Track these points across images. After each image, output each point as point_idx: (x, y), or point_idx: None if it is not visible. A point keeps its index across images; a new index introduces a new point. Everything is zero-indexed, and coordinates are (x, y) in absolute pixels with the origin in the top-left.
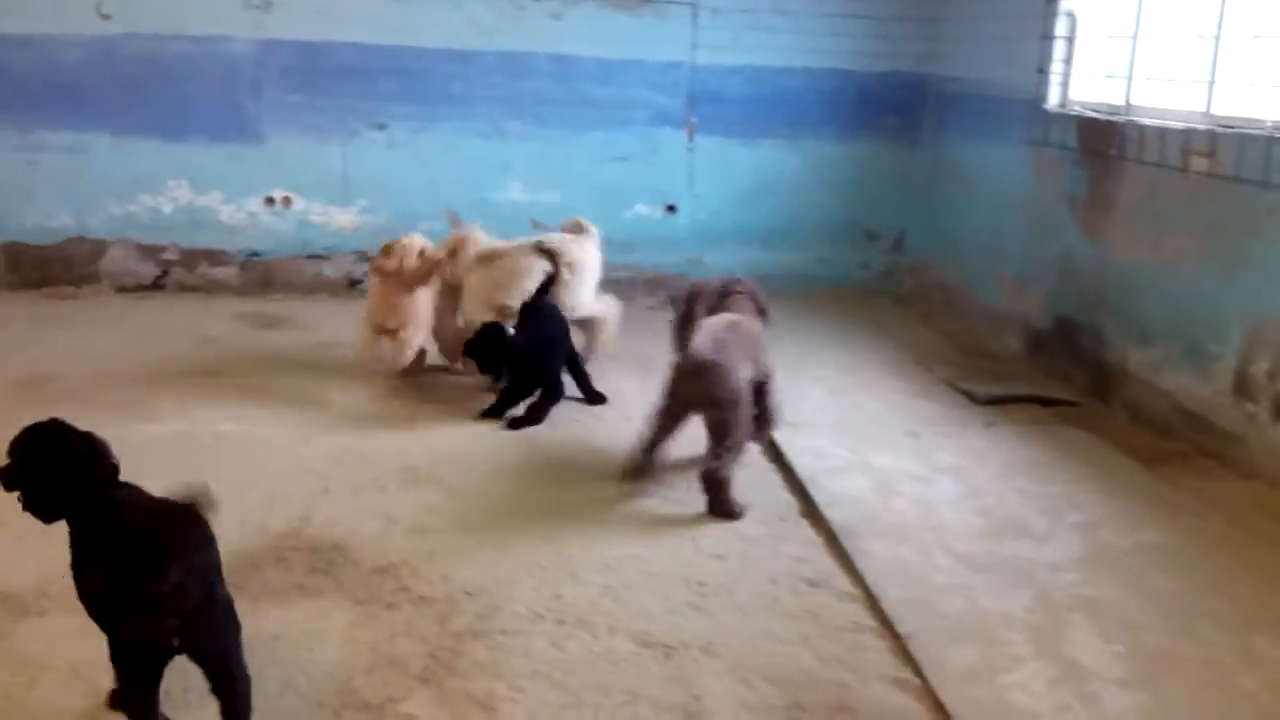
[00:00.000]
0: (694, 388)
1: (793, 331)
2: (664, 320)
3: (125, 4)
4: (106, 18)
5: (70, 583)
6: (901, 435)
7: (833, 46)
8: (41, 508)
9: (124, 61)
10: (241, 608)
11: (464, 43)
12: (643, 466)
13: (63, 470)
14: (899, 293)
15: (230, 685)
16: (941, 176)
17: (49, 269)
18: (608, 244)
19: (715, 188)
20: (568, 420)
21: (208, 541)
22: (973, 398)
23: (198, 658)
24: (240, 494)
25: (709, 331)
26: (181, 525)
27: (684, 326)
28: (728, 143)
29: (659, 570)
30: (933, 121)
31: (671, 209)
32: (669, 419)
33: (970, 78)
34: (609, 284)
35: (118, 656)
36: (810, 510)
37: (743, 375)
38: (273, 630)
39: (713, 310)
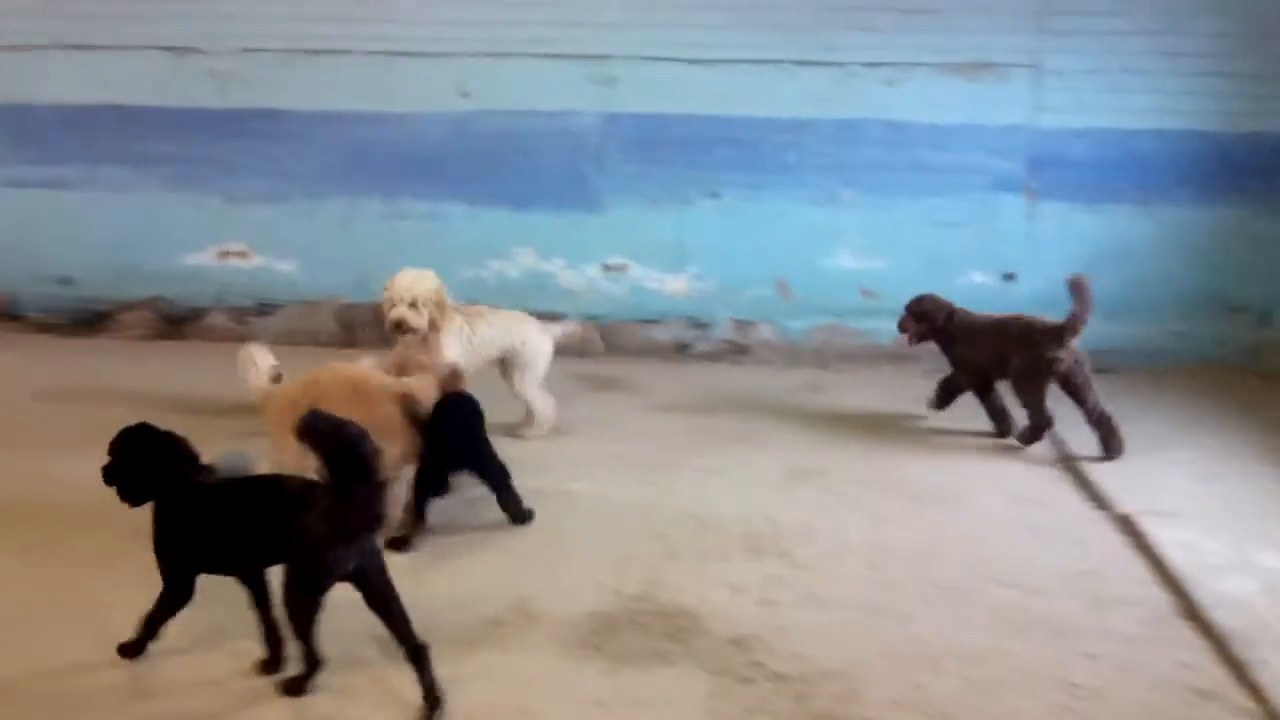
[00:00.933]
0: None
1: (1145, 411)
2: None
3: (484, 84)
4: (466, 96)
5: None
6: None
7: (1189, 106)
8: (133, 493)
9: (480, 136)
10: (602, 668)
11: (796, 111)
12: None
13: (151, 459)
14: (1266, 371)
15: (394, 604)
16: None
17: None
18: None
19: (1057, 255)
20: (916, 505)
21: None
22: None
23: (365, 579)
24: (593, 553)
25: None
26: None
27: None
28: (1071, 208)
29: (1027, 667)
30: None
31: (1009, 277)
32: None
33: None
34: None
35: (294, 592)
36: (1190, 611)
37: None
38: (634, 695)
39: None
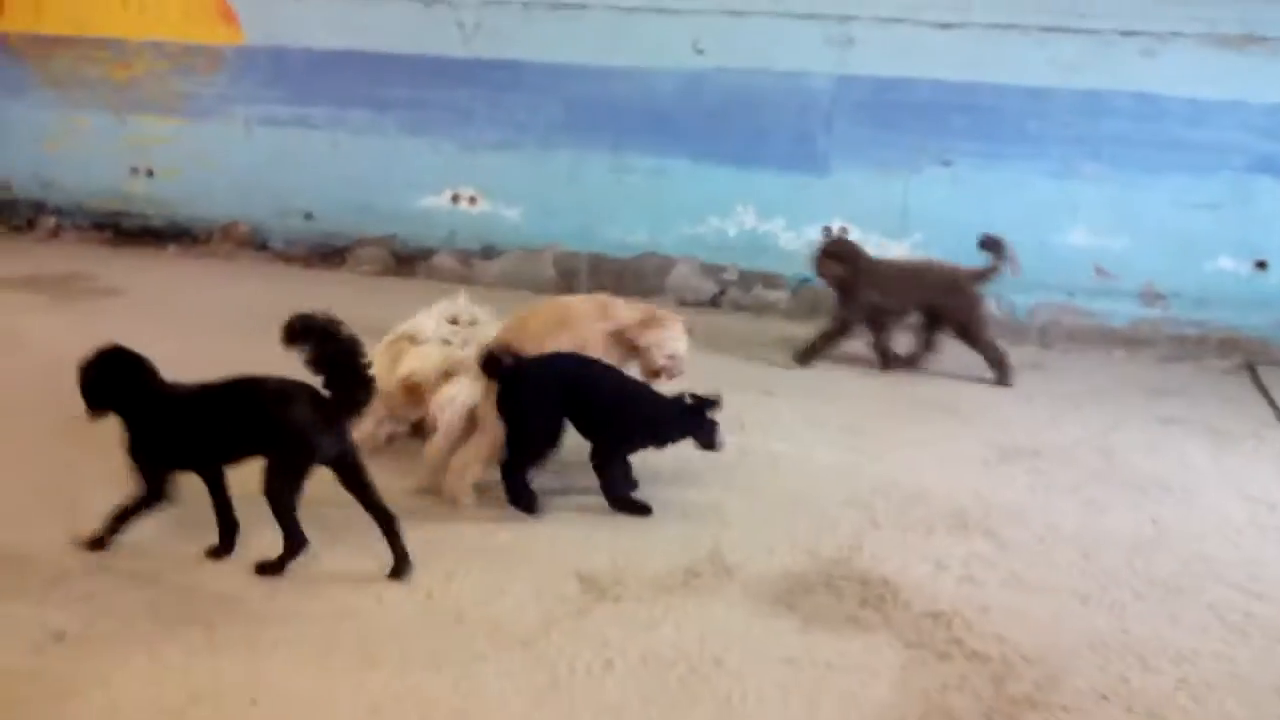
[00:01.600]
0: None
1: None
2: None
3: (719, 40)
4: (701, 53)
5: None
6: None
7: None
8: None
9: (710, 93)
10: (794, 626)
11: (1041, 79)
12: None
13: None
14: None
15: (368, 482)
16: None
17: (623, 279)
18: (1179, 299)
19: None
20: (1136, 494)
21: None
22: None
23: (343, 464)
24: (791, 514)
25: None
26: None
27: None
28: None
29: (1244, 673)
30: None
31: (1262, 265)
32: None
33: None
34: (1175, 341)
35: (280, 479)
36: None
37: None
38: (826, 657)
39: None
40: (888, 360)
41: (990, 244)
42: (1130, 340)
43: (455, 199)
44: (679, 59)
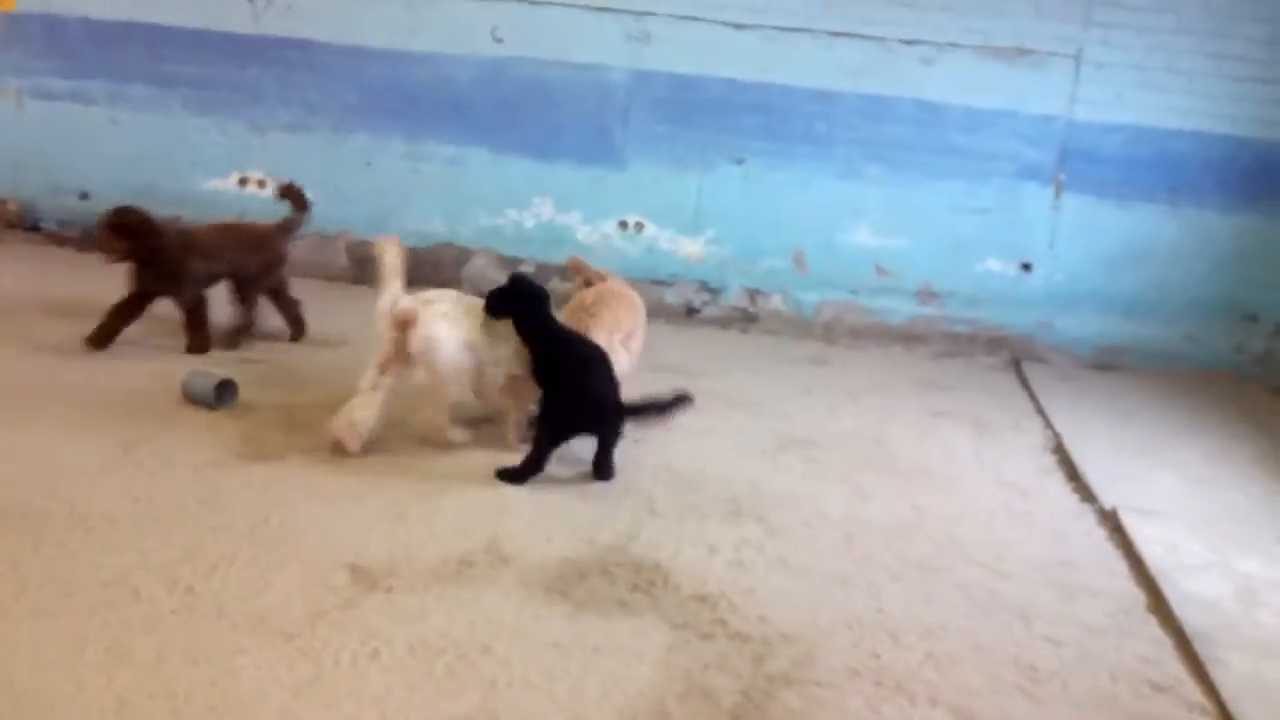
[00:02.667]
0: None
1: (1149, 410)
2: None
3: (518, 30)
4: (500, 41)
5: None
6: (1271, 540)
7: (1229, 111)
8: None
9: (509, 83)
10: (565, 613)
11: (829, 83)
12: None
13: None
14: (1275, 383)
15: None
16: None
17: (419, 270)
18: (952, 298)
19: (1078, 250)
20: (901, 482)
21: None
22: None
23: None
24: (573, 505)
25: None
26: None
27: None
28: (1099, 204)
29: (986, 645)
30: None
31: (1026, 267)
32: None
33: None
34: (948, 338)
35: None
36: (1159, 607)
37: None
38: (594, 641)
39: None
40: (233, 336)
41: (288, 193)
42: (907, 337)
43: (243, 182)
44: (478, 46)
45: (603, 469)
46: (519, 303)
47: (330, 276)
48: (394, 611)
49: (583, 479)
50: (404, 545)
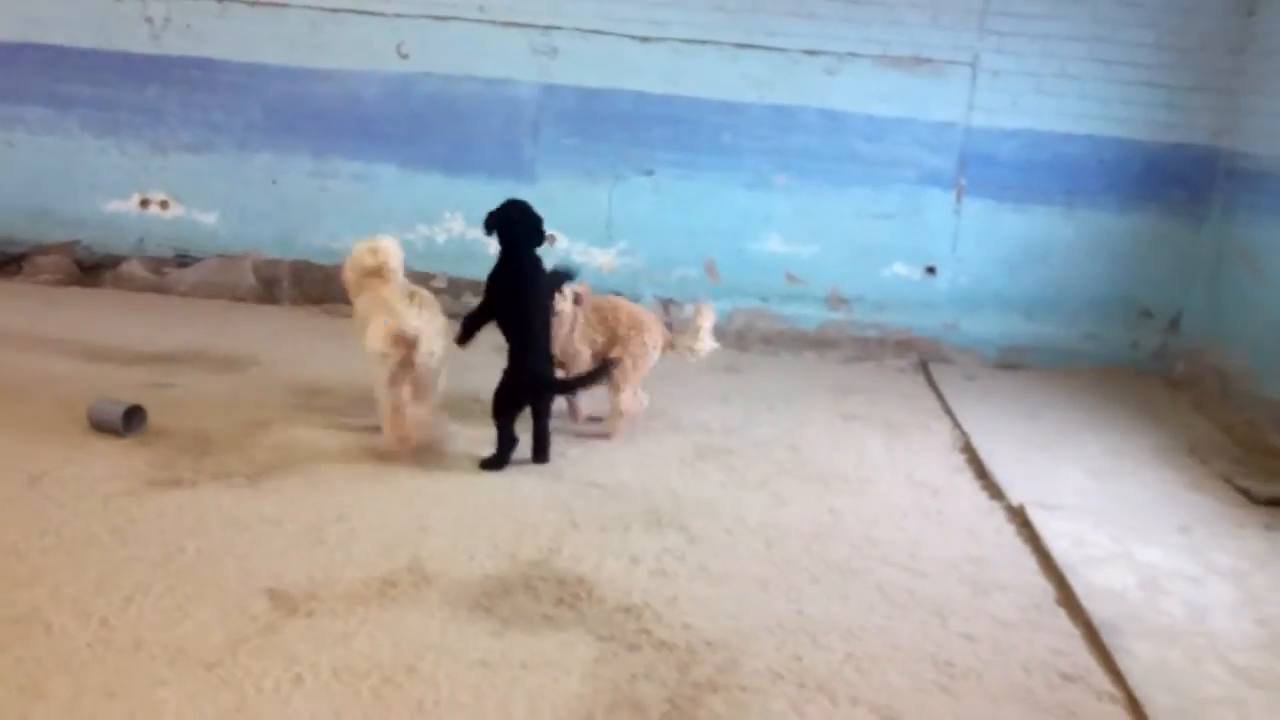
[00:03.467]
0: None
1: (1052, 407)
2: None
3: (423, 45)
4: (405, 57)
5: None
6: (1171, 530)
7: (1120, 114)
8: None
9: (416, 99)
10: (489, 629)
11: (736, 94)
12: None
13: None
14: (1171, 376)
15: None
16: (1229, 257)
17: (330, 287)
18: (861, 303)
19: (980, 252)
20: (818, 487)
21: None
22: (1251, 496)
23: None
24: (494, 521)
25: None
26: None
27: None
28: (999, 207)
29: (905, 644)
30: (1223, 198)
31: (931, 271)
32: None
33: (1270, 154)
34: (858, 343)
35: None
36: (1067, 599)
37: None
38: (521, 657)
39: None
40: None
41: None
42: (819, 342)
43: (145, 203)
44: (383, 62)
45: (541, 450)
46: (509, 228)
47: (237, 296)
48: (316, 636)
49: (505, 494)
50: (324, 568)
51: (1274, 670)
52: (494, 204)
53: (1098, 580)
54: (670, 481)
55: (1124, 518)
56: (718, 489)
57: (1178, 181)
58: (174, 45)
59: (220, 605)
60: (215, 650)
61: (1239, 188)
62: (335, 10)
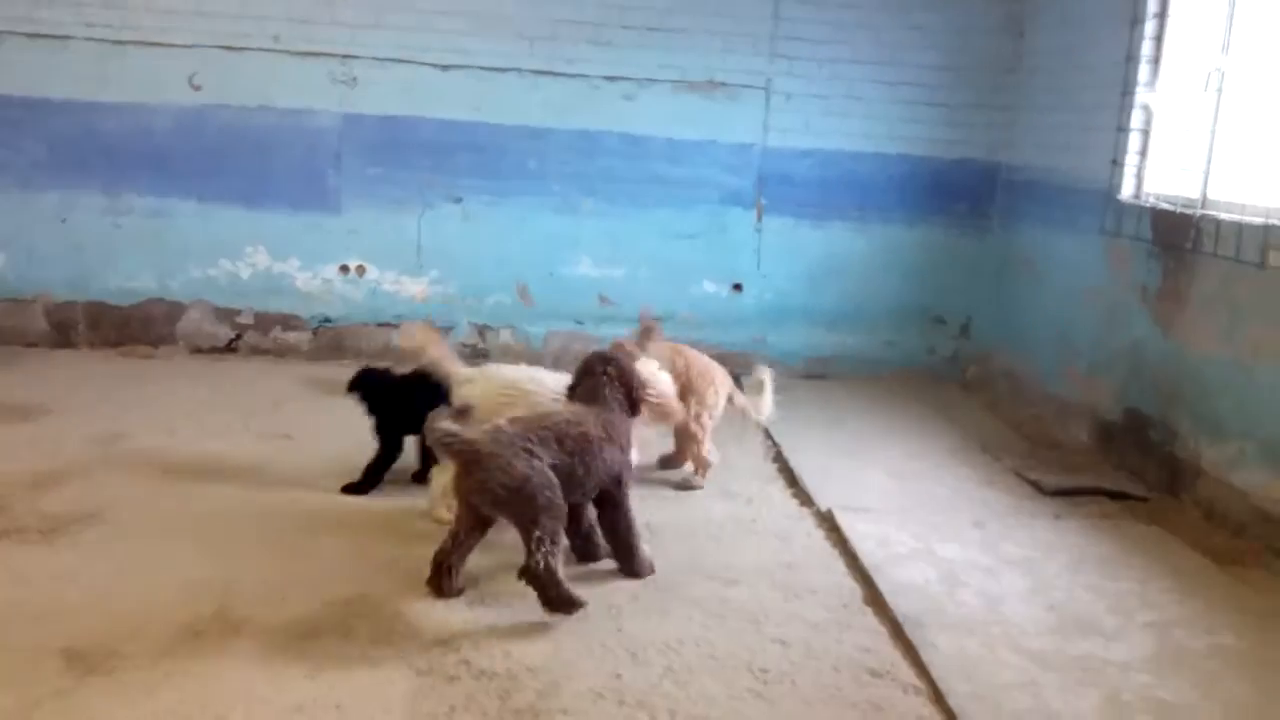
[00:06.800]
0: (469, 482)
1: (857, 414)
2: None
3: (216, 76)
4: (198, 89)
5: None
6: (968, 525)
7: (905, 133)
8: None
9: (212, 131)
10: (303, 673)
11: (539, 120)
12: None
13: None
14: (964, 379)
15: None
16: (1011, 264)
17: (128, 328)
18: (673, 321)
19: (783, 268)
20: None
21: None
22: (1040, 488)
23: None
24: (303, 562)
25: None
26: None
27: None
28: (798, 224)
29: (721, 654)
30: (1003, 209)
31: (738, 288)
32: (466, 519)
33: (1042, 166)
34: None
35: None
36: (874, 598)
37: (535, 463)
38: (337, 699)
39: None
40: None
41: None
42: None
43: None
44: (175, 95)
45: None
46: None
47: (28, 341)
48: (118, 693)
49: (312, 535)
50: (124, 622)
51: (1064, 652)
52: (299, 235)
53: (902, 577)
54: None
55: (924, 515)
56: None
57: (961, 195)
58: None
59: (10, 668)
60: (7, 715)
61: (1017, 198)
62: (121, 43)
